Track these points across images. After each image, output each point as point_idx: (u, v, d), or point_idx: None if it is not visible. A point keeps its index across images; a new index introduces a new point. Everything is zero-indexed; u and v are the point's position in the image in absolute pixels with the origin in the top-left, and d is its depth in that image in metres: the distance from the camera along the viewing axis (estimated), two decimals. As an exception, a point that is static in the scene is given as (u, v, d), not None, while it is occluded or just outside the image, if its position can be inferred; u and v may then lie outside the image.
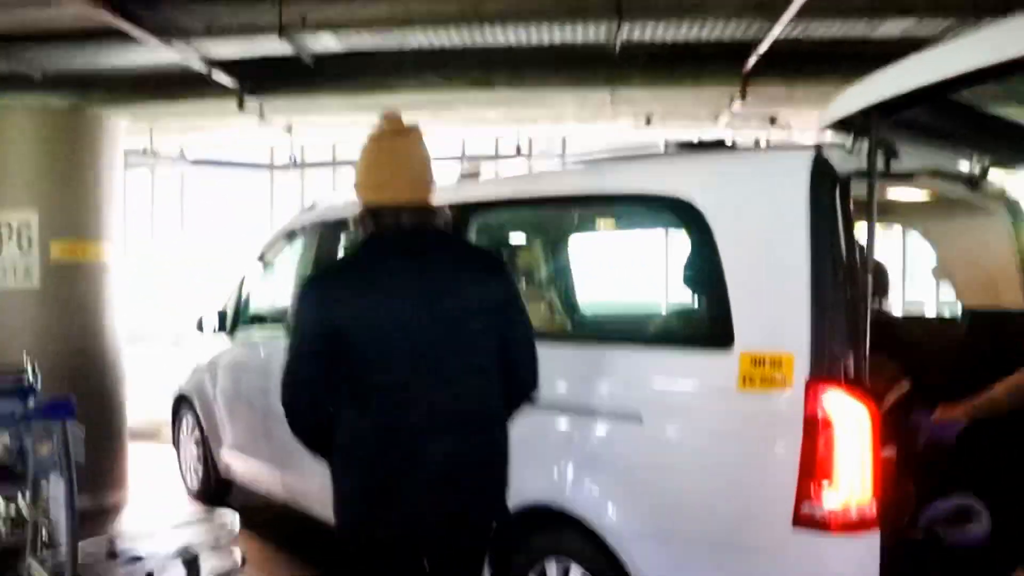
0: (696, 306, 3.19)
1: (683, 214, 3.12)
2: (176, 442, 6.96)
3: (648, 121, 7.42)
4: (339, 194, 5.35)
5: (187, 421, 6.71)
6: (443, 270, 2.34)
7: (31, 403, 4.57)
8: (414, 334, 2.26)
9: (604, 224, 4.71)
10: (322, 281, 2.44)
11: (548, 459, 3.40)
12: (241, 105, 5.99)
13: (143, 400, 8.41)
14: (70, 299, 6.22)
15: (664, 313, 3.81)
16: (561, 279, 5.18)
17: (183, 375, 6.73)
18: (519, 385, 2.57)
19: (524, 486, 3.45)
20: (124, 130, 6.68)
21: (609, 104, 6.25)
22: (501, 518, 2.57)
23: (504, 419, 2.53)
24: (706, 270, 3.03)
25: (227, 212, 9.77)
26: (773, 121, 7.45)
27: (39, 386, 4.88)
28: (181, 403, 6.79)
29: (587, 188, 3.57)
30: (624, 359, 3.24)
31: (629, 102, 6.29)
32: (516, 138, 8.55)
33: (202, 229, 9.77)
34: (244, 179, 9.55)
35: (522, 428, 3.40)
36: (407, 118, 2.51)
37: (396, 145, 2.38)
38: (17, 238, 6.07)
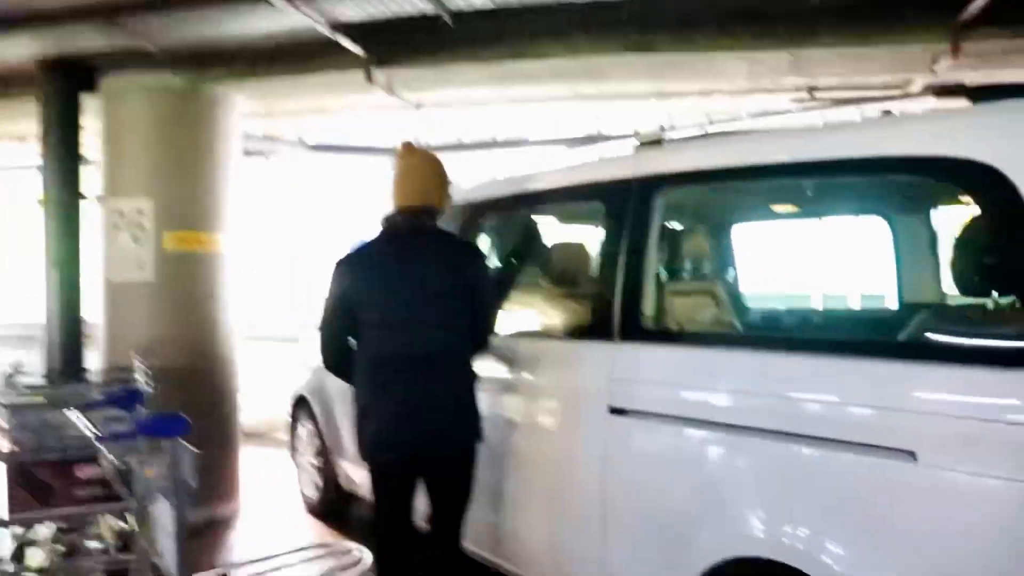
0: (1004, 309, 2.34)
1: (980, 183, 2.28)
2: (293, 449, 6.39)
3: (811, 93, 6.51)
4: (481, 175, 4.69)
5: (305, 428, 6.12)
6: (423, 255, 3.26)
7: (139, 411, 4.08)
8: (394, 299, 3.20)
9: (850, 198, 3.87)
10: (343, 261, 3.33)
11: (764, 498, 2.64)
12: (369, 77, 5.33)
13: (257, 397, 8.00)
14: (184, 293, 5.84)
15: (946, 315, 2.93)
16: (786, 269, 4.34)
17: (302, 375, 6.16)
18: (477, 335, 3.40)
19: (722, 532, 2.75)
20: (241, 112, 6.17)
21: (787, 68, 5.36)
22: (472, 443, 3.39)
23: (470, 369, 3.37)
24: (1018, 259, 2.18)
25: (346, 200, 9.26)
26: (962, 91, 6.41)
27: (149, 389, 4.41)
28: (299, 407, 6.20)
29: (828, 153, 2.72)
30: (885, 375, 2.42)
31: (809, 65, 5.38)
32: (660, 116, 7.70)
33: (319, 219, 9.27)
34: (363, 165, 8.92)
35: (712, 456, 2.84)
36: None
37: (404, 164, 3.34)
38: (130, 227, 5.71)
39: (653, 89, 6.47)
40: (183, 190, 5.79)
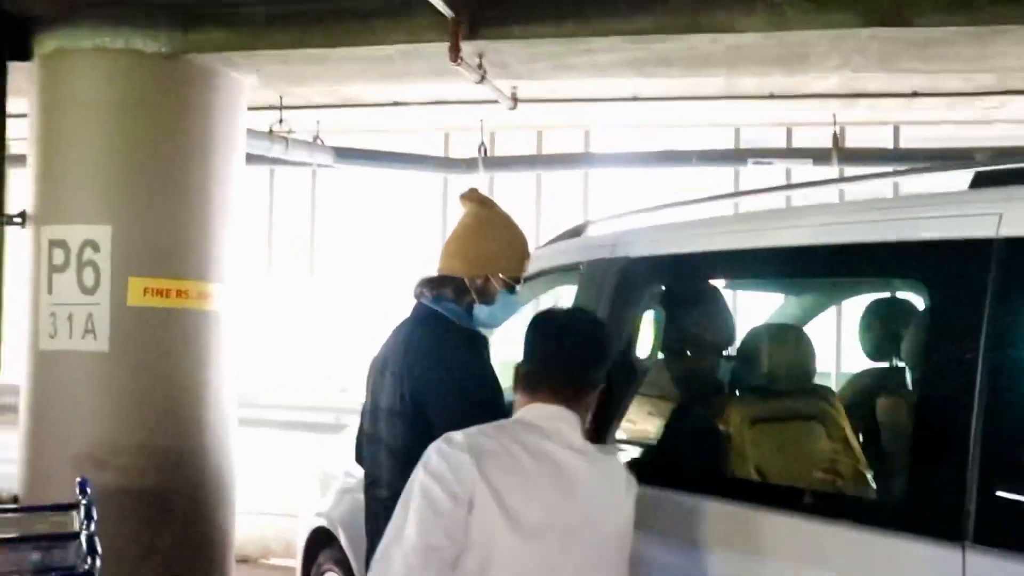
0: None
1: None
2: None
3: None
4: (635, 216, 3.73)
5: (335, 578, 4.81)
6: (386, 350, 2.94)
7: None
8: (365, 408, 3.03)
9: None
10: None
11: None
12: (456, 50, 4.06)
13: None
14: (157, 370, 4.88)
15: None
16: None
17: (325, 493, 4.94)
18: None
19: None
20: (247, 98, 5.13)
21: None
22: None
23: None
24: None
25: (380, 228, 8.22)
26: None
27: (93, 526, 3.36)
28: (322, 547, 4.93)
29: None
30: None
31: None
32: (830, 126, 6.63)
33: (346, 255, 8.22)
34: (399, 182, 7.84)
35: None
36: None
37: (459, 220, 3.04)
38: (77, 269, 4.70)
39: (846, 87, 5.47)
40: (160, 215, 4.84)
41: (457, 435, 2.04)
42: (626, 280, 3.35)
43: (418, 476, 2.03)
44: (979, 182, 2.64)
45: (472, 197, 3.02)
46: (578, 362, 2.23)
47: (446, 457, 2.00)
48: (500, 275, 2.91)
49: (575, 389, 2.20)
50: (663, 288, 3.46)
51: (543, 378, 2.19)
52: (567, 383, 2.19)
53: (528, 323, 2.36)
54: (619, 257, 3.41)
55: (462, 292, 2.89)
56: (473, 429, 2.09)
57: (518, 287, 2.97)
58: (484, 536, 1.99)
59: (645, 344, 3.55)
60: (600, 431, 2.98)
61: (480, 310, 2.90)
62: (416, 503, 2.00)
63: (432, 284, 2.91)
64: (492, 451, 2.04)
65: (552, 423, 2.14)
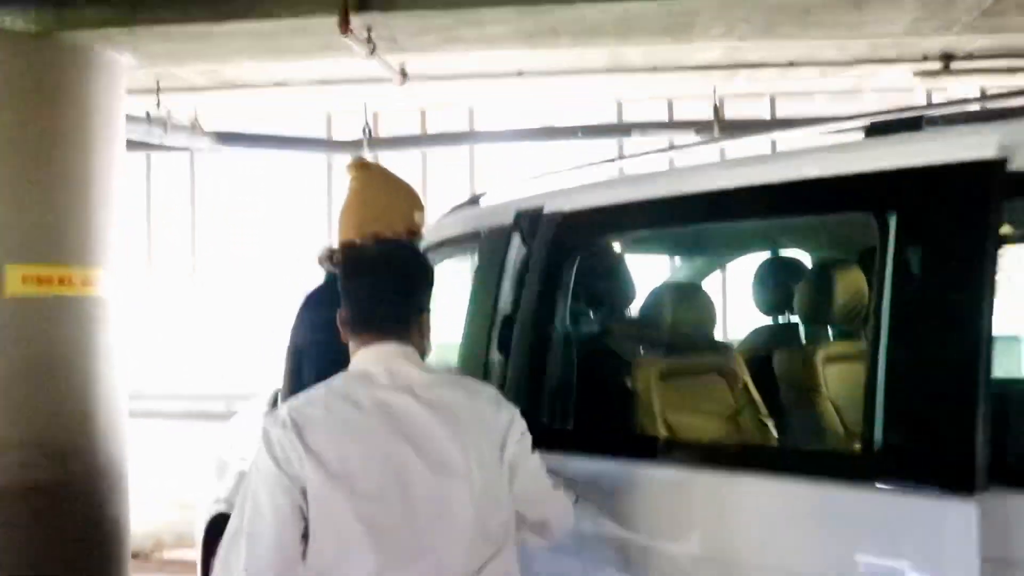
0: None
1: None
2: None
3: (947, 64, 5.64)
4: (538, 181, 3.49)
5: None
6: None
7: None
8: None
9: None
10: None
11: None
12: (345, 23, 3.97)
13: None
14: (38, 363, 4.56)
15: None
16: None
17: (223, 477, 4.68)
18: None
19: None
20: (127, 80, 4.89)
21: (971, 11, 4.31)
22: None
23: None
24: None
25: (263, 213, 7.91)
26: None
27: None
28: (223, 530, 4.72)
29: None
30: None
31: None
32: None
33: (228, 239, 7.89)
34: (282, 164, 7.60)
35: None
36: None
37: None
38: None
39: (727, 58, 5.56)
40: (37, 200, 4.54)
41: (283, 410, 1.92)
42: (558, 237, 3.17)
43: (251, 474, 1.91)
44: (873, 132, 2.63)
45: (355, 164, 3.08)
46: (396, 291, 2.11)
47: (271, 445, 1.87)
48: (393, 231, 2.88)
49: (400, 320, 2.08)
50: (567, 246, 3.37)
51: (366, 318, 2.07)
52: (391, 316, 2.07)
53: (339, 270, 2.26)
54: (501, 224, 3.28)
55: None
56: (301, 397, 1.99)
57: (415, 240, 2.94)
58: (326, 514, 1.87)
59: (553, 305, 3.46)
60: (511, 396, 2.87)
61: None
62: (249, 509, 1.88)
63: (332, 253, 2.95)
64: (317, 419, 1.91)
65: (383, 365, 2.00)
